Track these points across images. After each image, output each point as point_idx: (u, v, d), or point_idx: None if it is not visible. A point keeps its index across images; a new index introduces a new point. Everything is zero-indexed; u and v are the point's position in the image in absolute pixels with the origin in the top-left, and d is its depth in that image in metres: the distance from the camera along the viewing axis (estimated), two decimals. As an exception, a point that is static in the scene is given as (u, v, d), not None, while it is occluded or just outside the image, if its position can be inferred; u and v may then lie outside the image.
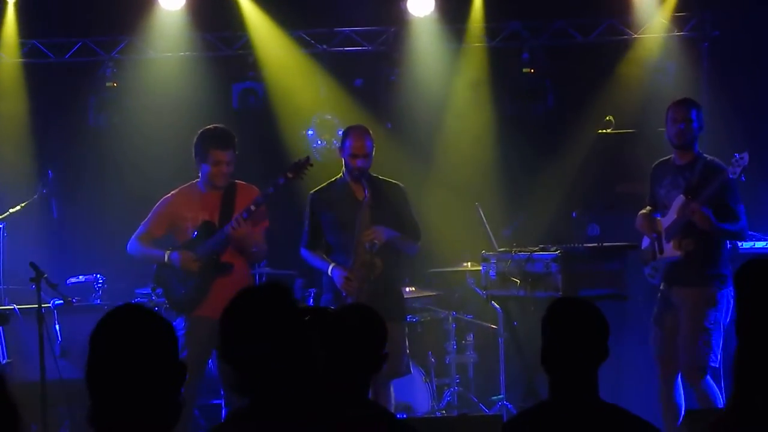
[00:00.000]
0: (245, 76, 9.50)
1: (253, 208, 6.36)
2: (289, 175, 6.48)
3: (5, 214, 8.01)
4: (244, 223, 6.35)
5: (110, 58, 9.35)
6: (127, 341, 2.58)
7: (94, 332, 2.62)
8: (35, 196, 8.11)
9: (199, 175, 6.60)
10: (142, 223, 6.68)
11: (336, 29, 9.43)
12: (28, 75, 9.38)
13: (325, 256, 6.75)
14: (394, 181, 6.87)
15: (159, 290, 6.87)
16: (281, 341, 2.96)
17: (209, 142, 6.52)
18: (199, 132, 6.60)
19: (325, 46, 9.43)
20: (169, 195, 6.70)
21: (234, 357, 2.97)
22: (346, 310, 3.94)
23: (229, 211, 6.49)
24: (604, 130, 8.75)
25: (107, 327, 2.62)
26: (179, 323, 6.40)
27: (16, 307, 7.70)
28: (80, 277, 8.28)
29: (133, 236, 6.66)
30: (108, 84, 9.31)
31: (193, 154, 6.58)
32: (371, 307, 3.84)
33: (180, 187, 6.71)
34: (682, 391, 6.49)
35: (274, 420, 2.93)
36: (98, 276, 8.21)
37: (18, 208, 8.03)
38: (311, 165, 6.55)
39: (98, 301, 8.10)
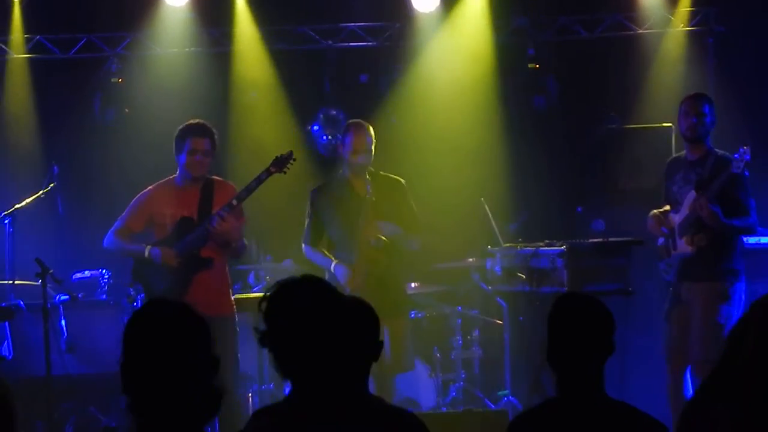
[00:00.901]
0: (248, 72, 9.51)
1: (234, 202, 6.38)
2: (272, 169, 6.49)
3: (11, 210, 8.00)
4: (228, 217, 6.36)
5: (115, 54, 9.36)
6: (164, 335, 2.60)
7: (128, 327, 2.64)
8: (41, 192, 8.11)
9: (177, 170, 6.62)
10: (119, 217, 6.69)
11: (341, 25, 9.43)
12: (33, 70, 9.38)
13: (327, 252, 6.76)
14: (394, 177, 6.88)
15: (138, 286, 6.85)
16: (325, 330, 2.98)
17: (187, 131, 6.54)
18: (179, 127, 6.63)
19: (330, 42, 9.43)
20: (146, 191, 6.71)
21: (276, 345, 2.99)
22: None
23: (207, 207, 6.50)
24: (610, 126, 8.74)
25: (142, 322, 2.64)
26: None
27: (22, 302, 7.71)
28: (86, 272, 8.26)
29: (110, 231, 6.68)
30: (113, 80, 9.32)
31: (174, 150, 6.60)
32: (362, 298, 3.83)
33: (157, 183, 6.72)
34: (690, 386, 6.49)
35: (300, 416, 2.96)
36: (104, 271, 8.20)
37: (24, 203, 8.02)
38: (294, 159, 6.55)
39: (104, 297, 8.09)
